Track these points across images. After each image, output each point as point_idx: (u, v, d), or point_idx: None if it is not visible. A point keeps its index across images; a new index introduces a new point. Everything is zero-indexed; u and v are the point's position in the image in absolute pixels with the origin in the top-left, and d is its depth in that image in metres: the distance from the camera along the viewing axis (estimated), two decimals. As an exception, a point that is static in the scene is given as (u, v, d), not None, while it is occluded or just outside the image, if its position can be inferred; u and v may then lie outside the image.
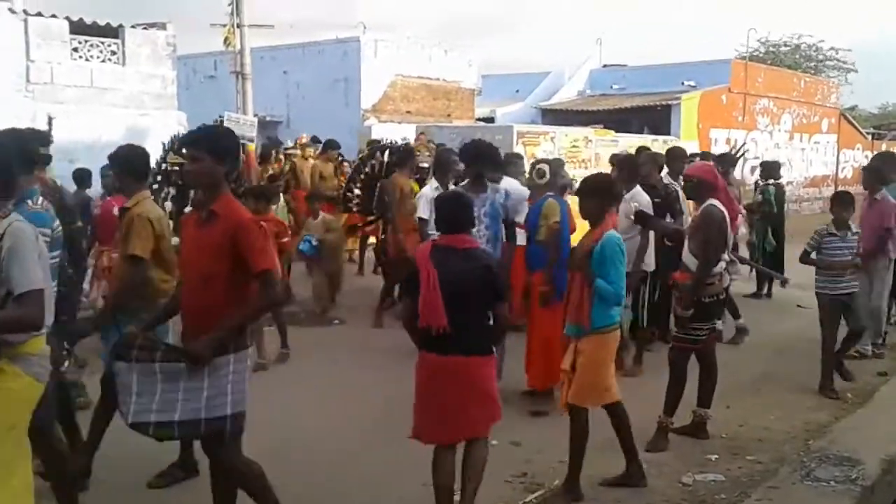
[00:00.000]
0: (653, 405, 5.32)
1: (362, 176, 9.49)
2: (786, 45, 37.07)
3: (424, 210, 6.61)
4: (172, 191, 7.55)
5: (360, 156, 9.53)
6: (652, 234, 6.79)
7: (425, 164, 9.28)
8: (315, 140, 12.51)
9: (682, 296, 5.13)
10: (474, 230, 5.04)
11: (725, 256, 5.17)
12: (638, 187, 6.87)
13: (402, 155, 8.85)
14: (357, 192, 9.50)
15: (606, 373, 4.48)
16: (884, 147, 28.83)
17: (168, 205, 7.21)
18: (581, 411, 4.46)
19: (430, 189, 6.88)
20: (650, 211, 6.73)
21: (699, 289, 5.04)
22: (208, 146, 3.61)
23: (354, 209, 9.42)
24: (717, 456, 5.04)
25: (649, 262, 6.84)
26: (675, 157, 8.07)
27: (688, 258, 5.18)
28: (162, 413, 3.39)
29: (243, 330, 3.57)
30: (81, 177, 8.22)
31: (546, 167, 6.14)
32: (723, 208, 5.14)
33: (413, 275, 3.83)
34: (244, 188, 8.02)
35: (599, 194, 4.56)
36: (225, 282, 3.49)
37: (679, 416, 5.31)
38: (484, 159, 6.02)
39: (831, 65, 37.04)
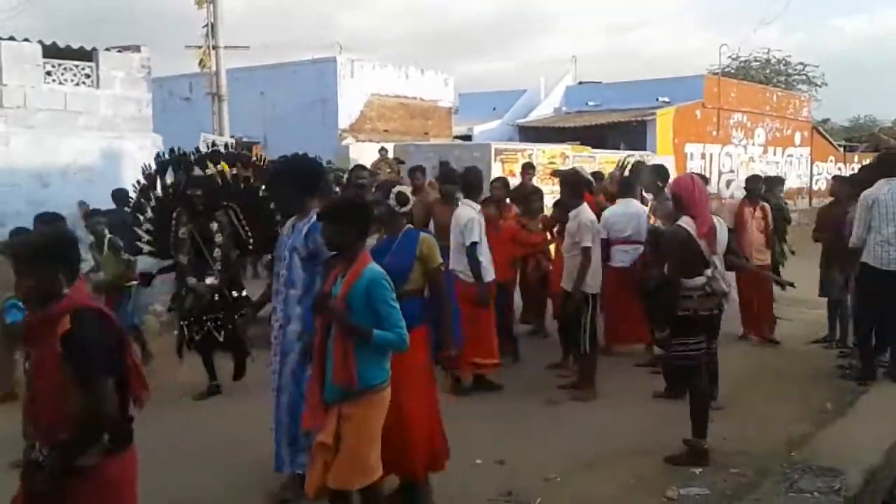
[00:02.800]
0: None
1: (153, 203, 6.76)
2: (756, 61, 37.61)
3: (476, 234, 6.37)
4: None
5: (146, 173, 6.90)
6: (597, 254, 6.49)
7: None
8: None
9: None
10: (277, 268, 4.59)
11: (707, 272, 5.02)
12: (584, 205, 6.61)
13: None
14: (148, 226, 6.82)
15: (377, 443, 3.65)
16: (856, 159, 29.28)
17: None
18: (374, 488, 3.72)
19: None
20: (593, 228, 6.48)
21: (666, 306, 5.02)
22: None
23: (145, 250, 6.85)
24: (700, 470, 5.03)
25: (593, 284, 6.44)
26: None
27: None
28: None
29: None
30: (122, 196, 8.61)
31: (408, 191, 4.60)
32: (689, 226, 4.97)
33: None
34: None
35: (349, 220, 3.68)
36: None
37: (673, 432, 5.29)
38: (308, 179, 4.64)
39: (801, 79, 37.63)
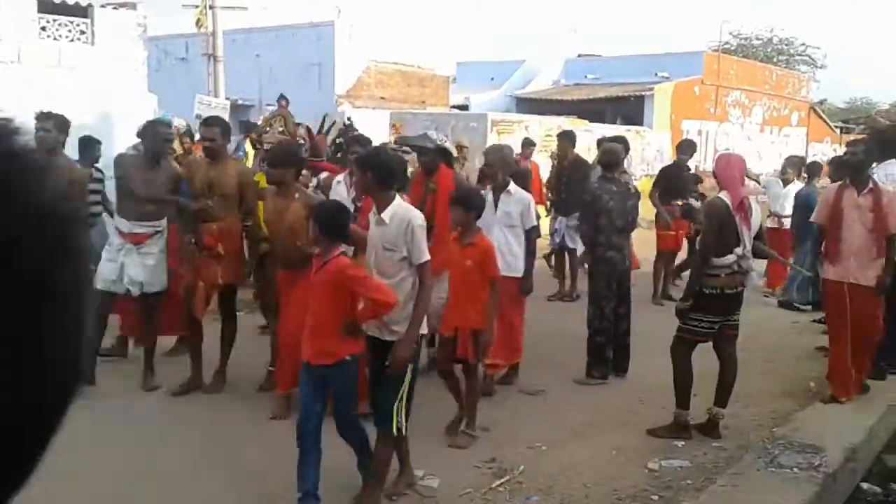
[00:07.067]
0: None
1: None
2: (758, 39, 37.47)
3: None
4: None
5: None
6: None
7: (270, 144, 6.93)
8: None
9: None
10: None
11: (738, 251, 4.99)
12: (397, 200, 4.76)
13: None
14: None
15: None
16: (849, 140, 29.23)
17: None
18: None
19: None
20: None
21: (694, 280, 5.02)
22: None
23: None
24: (683, 443, 5.10)
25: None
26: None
27: None
28: None
29: None
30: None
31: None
32: (729, 201, 4.97)
33: None
34: None
35: None
36: None
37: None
38: None
39: (802, 59, 37.51)
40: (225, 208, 5.64)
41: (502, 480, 4.46)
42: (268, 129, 7.38)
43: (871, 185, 5.73)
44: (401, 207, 4.01)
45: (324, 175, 6.86)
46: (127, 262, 5.69)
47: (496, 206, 5.81)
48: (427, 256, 3.96)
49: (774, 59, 35.01)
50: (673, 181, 9.32)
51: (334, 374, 3.94)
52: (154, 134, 5.87)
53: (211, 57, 14.90)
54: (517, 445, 4.94)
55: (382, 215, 3.96)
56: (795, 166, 10.25)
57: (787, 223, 9.70)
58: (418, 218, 3.99)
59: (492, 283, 4.87)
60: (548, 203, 10.09)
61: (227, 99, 13.54)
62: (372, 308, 3.86)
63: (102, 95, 9.82)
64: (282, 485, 4.07)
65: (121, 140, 9.86)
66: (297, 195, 5.11)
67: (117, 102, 9.98)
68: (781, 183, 10.15)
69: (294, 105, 9.92)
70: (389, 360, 3.89)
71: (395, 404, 3.92)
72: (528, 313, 6.21)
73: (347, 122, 7.67)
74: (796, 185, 9.85)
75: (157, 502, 4.20)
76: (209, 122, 5.95)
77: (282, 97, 10.60)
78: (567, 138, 9.66)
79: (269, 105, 8.77)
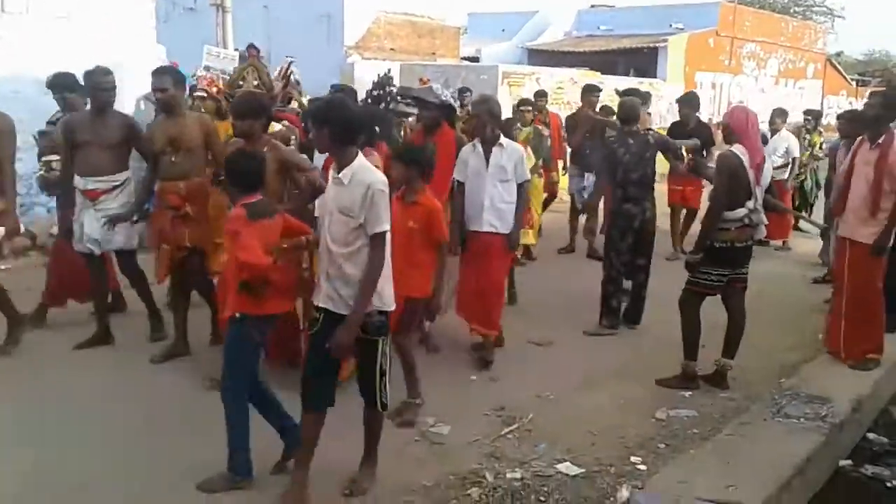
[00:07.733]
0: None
1: None
2: (775, -11, 36.78)
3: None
4: None
5: None
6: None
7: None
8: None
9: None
10: None
11: (749, 204, 4.99)
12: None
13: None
14: None
15: None
16: (868, 94, 28.85)
17: None
18: None
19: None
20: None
21: (707, 233, 5.00)
22: None
23: None
24: (690, 393, 5.14)
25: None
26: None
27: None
28: None
29: None
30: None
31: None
32: (742, 154, 4.96)
33: None
34: None
35: None
36: None
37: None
38: None
39: (819, 10, 36.86)
40: (192, 164, 5.27)
41: (511, 428, 4.52)
42: (241, 82, 6.86)
43: (881, 140, 5.39)
44: (362, 168, 3.51)
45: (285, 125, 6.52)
46: (84, 219, 5.42)
47: (487, 160, 5.55)
48: (385, 227, 3.48)
49: (791, 10, 34.39)
50: (676, 138, 9.15)
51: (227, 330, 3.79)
52: (91, 84, 5.42)
53: (219, 8, 14.71)
54: (526, 394, 4.99)
55: (341, 175, 3.51)
56: (783, 116, 10.21)
57: (776, 174, 9.61)
58: (380, 182, 3.48)
59: (439, 247, 4.53)
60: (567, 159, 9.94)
61: (235, 50, 13.40)
62: (234, 267, 3.59)
63: (110, 47, 9.74)
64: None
65: (129, 92, 9.85)
66: (265, 148, 4.67)
67: (125, 54, 9.90)
68: (770, 133, 10.08)
69: (302, 57, 9.75)
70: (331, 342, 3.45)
71: (378, 380, 3.64)
72: (541, 267, 6.18)
73: (387, 74, 6.85)
74: (783, 136, 9.87)
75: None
76: (158, 71, 5.45)
77: (251, 46, 9.94)
78: (591, 91, 9.46)
79: (288, 57, 8.54)
